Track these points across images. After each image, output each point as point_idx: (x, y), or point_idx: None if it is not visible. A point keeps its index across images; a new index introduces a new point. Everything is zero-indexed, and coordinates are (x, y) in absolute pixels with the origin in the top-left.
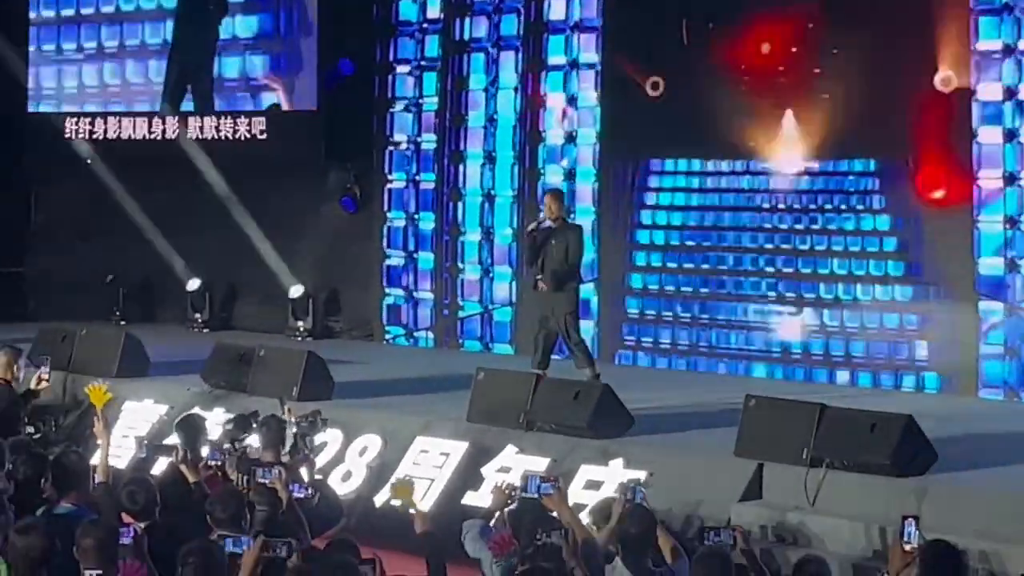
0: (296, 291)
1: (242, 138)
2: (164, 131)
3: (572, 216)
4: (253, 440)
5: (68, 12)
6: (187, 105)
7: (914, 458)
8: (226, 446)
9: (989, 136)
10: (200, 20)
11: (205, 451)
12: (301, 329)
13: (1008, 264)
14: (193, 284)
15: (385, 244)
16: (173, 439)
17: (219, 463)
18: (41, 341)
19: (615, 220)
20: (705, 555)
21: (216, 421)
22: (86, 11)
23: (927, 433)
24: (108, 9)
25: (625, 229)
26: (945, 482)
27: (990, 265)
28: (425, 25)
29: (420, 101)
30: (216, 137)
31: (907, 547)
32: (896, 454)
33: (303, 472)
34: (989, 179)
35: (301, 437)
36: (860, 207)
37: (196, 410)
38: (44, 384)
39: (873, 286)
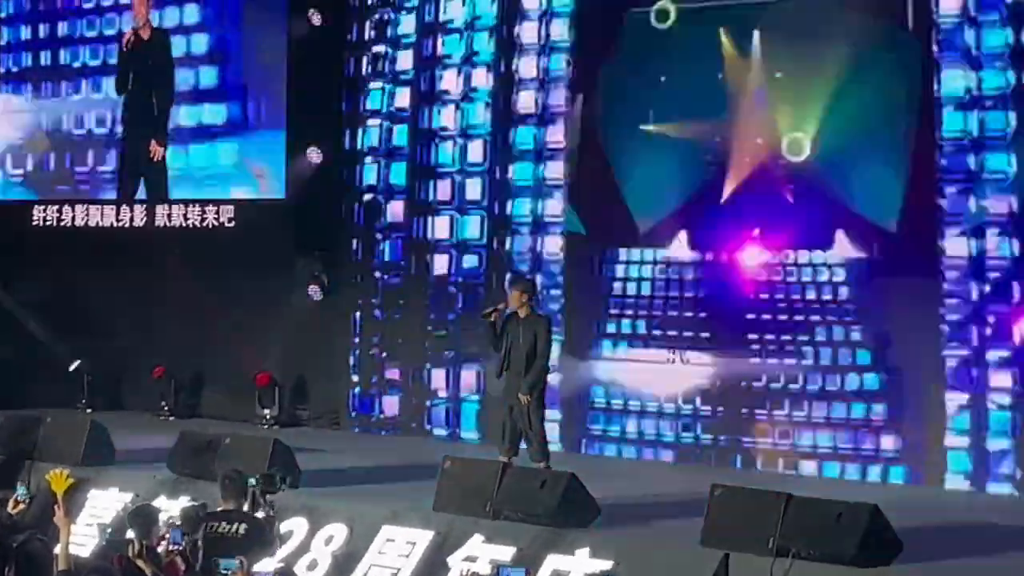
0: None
1: (210, 226)
2: (132, 218)
3: (539, 306)
4: None
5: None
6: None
7: (880, 548)
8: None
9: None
10: (145, 108)
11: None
12: (268, 417)
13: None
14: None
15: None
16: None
17: (181, 547)
18: (5, 429)
19: (581, 309)
20: None
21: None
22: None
23: (893, 523)
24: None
25: (593, 318)
26: (910, 572)
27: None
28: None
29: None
30: (184, 225)
31: None
32: (862, 544)
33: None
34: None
35: (260, 494)
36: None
37: (161, 499)
38: (21, 507)
39: (839, 375)
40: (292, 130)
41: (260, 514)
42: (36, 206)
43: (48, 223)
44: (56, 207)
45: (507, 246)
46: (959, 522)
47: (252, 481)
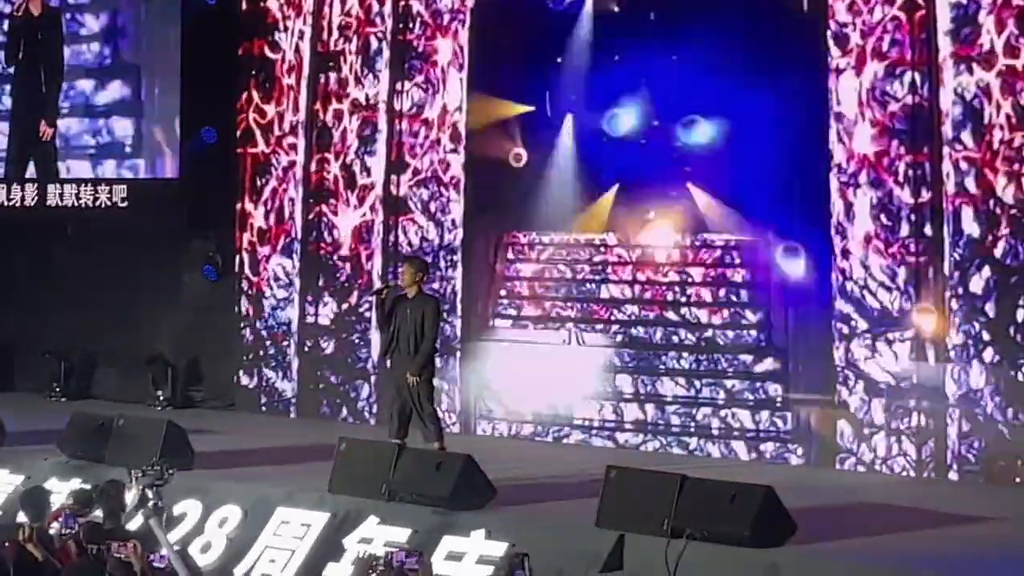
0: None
1: (103, 206)
2: (23, 198)
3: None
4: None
5: None
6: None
7: (773, 529)
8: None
9: None
10: (33, 86)
11: (54, 526)
12: (161, 398)
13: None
14: None
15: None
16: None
17: (73, 531)
18: None
19: (477, 290)
20: None
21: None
22: None
23: (787, 505)
24: None
25: (488, 299)
26: (804, 553)
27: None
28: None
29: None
30: (76, 205)
31: None
32: (755, 525)
33: (155, 526)
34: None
35: (148, 487)
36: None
37: (53, 481)
38: None
39: (739, 356)
40: (186, 109)
41: (147, 506)
42: None
43: None
44: None
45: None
46: (854, 503)
47: (138, 474)
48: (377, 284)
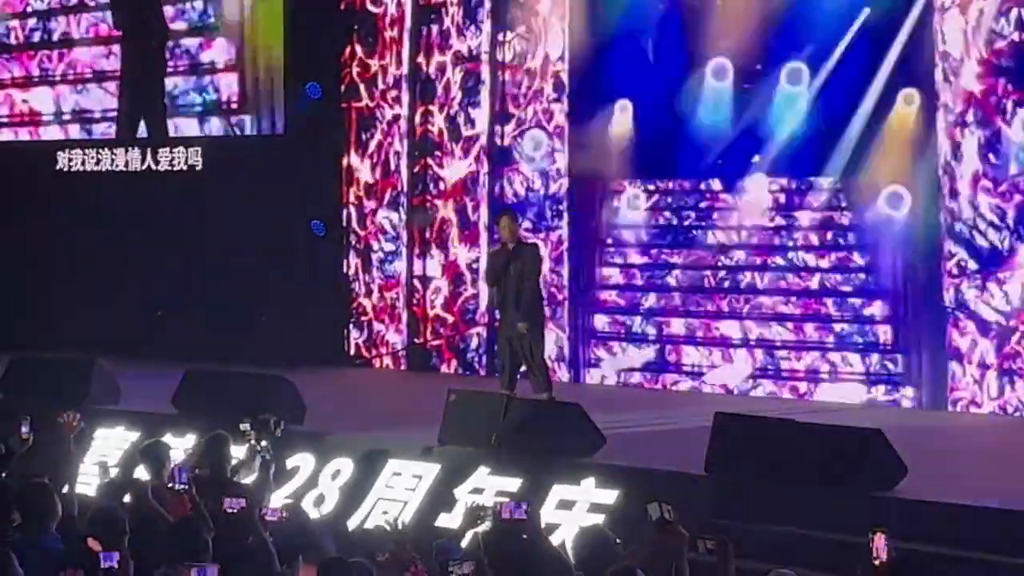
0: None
1: (210, 164)
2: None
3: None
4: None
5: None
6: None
7: (884, 472)
8: (192, 472)
9: None
10: (140, 46)
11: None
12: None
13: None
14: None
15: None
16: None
17: (186, 487)
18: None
19: (584, 237)
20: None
21: (186, 447)
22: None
23: (897, 447)
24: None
25: (594, 246)
26: (913, 495)
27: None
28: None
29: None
30: (170, 168)
31: (876, 561)
32: (867, 468)
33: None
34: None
35: (256, 442)
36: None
37: (168, 436)
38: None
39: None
40: (290, 65)
41: (257, 460)
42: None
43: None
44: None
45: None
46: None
47: (246, 426)
48: (483, 237)
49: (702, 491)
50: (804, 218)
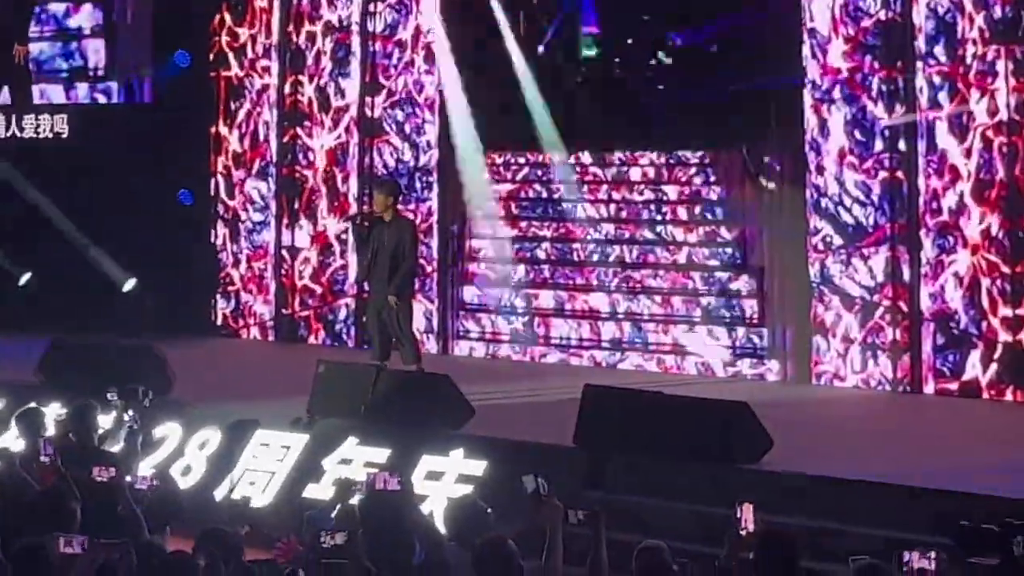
0: (129, 285)
1: (76, 132)
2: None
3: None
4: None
5: None
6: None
7: (750, 445)
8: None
9: None
10: (3, 9)
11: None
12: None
13: None
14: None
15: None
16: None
17: (51, 457)
18: None
19: (453, 211)
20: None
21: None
22: None
23: (764, 421)
24: None
25: (464, 220)
26: (779, 468)
27: None
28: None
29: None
30: (36, 135)
31: (742, 532)
32: (733, 441)
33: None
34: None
35: (126, 411)
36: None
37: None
38: None
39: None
40: (159, 33)
41: (124, 429)
42: None
43: None
44: None
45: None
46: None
47: (113, 396)
48: (353, 208)
49: (571, 463)
50: (672, 192)
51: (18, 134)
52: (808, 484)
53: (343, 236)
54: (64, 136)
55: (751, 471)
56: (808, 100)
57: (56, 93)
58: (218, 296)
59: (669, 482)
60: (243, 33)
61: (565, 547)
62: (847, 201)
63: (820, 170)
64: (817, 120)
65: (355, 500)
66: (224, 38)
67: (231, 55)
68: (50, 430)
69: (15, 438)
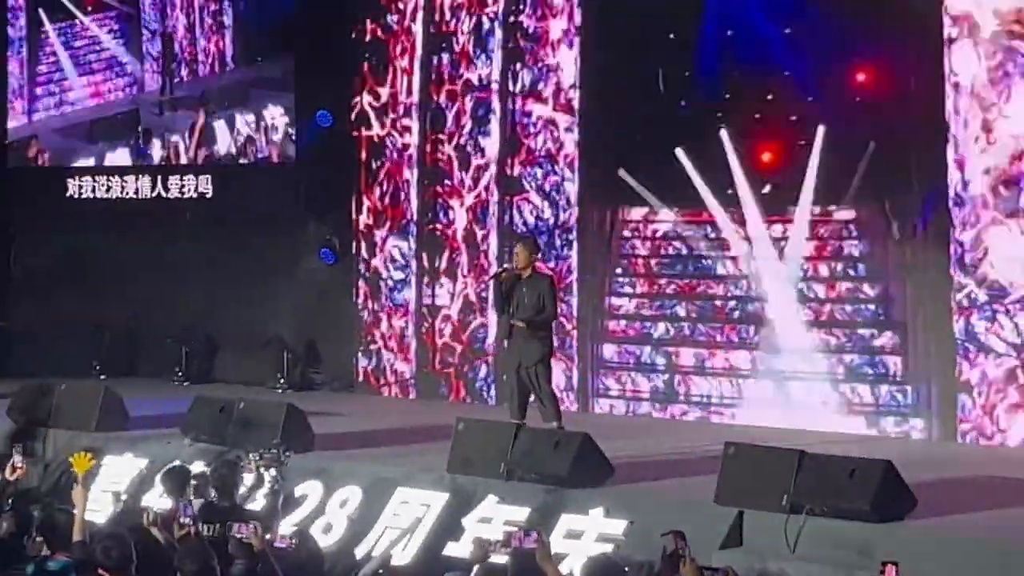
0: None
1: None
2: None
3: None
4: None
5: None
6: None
7: (893, 503)
8: (194, 500)
9: None
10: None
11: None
12: (282, 382)
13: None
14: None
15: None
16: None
17: (192, 519)
18: (21, 396)
19: (593, 267)
20: None
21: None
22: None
23: (907, 479)
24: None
25: (603, 276)
26: (924, 528)
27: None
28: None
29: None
30: (196, 195)
31: None
32: (876, 500)
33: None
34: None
35: (266, 469)
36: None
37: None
38: (19, 473)
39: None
40: (301, 93)
41: (265, 488)
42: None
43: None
44: (72, 175)
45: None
46: (976, 476)
47: (256, 456)
48: (494, 266)
49: (711, 521)
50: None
51: (163, 194)
52: (951, 544)
53: (483, 294)
54: (208, 196)
55: (895, 530)
56: (951, 154)
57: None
58: (360, 354)
59: (810, 540)
60: (384, 92)
61: None
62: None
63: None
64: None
65: (494, 559)
66: (366, 97)
67: (372, 114)
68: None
69: (159, 496)
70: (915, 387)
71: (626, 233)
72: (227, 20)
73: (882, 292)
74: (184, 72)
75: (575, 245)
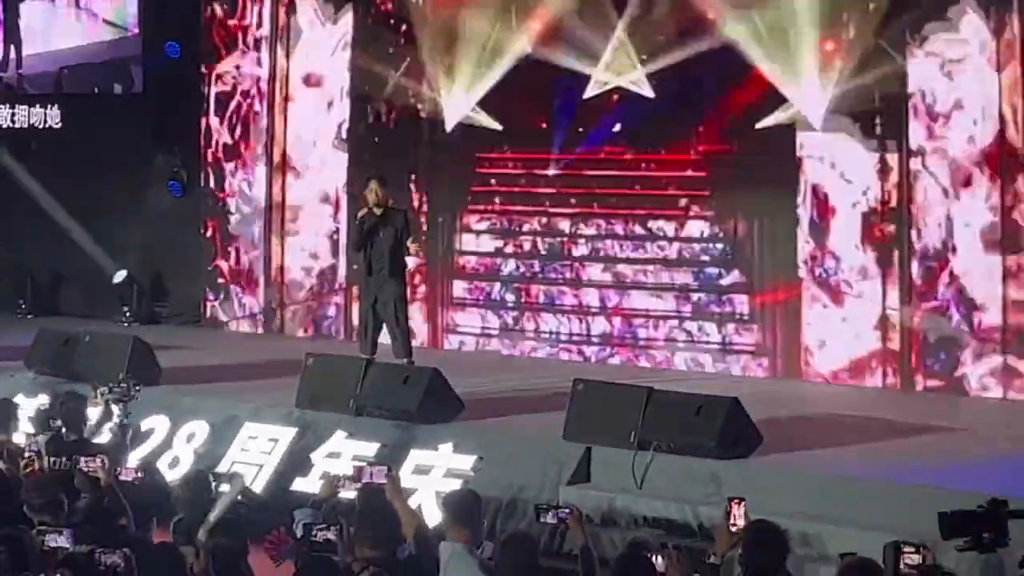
0: (119, 276)
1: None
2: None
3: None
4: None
5: None
6: None
7: (739, 441)
8: (39, 435)
9: None
10: None
11: (18, 438)
12: (128, 316)
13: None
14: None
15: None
16: None
17: (35, 452)
18: None
19: (443, 204)
20: (512, 538)
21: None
22: None
23: (753, 416)
24: None
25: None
26: (769, 464)
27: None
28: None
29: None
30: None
31: (733, 528)
32: (721, 436)
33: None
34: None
35: (114, 403)
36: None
37: (20, 397)
38: None
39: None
40: (148, 25)
41: (113, 422)
42: None
43: None
44: None
45: None
46: (819, 414)
47: (104, 391)
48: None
49: (560, 456)
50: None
51: (11, 124)
52: (796, 481)
53: (334, 236)
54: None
55: (741, 466)
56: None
57: None
58: (207, 288)
59: (657, 475)
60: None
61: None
62: None
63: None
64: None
65: (344, 494)
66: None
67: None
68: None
69: None
70: (761, 327)
71: (480, 170)
72: None
73: (730, 231)
74: None
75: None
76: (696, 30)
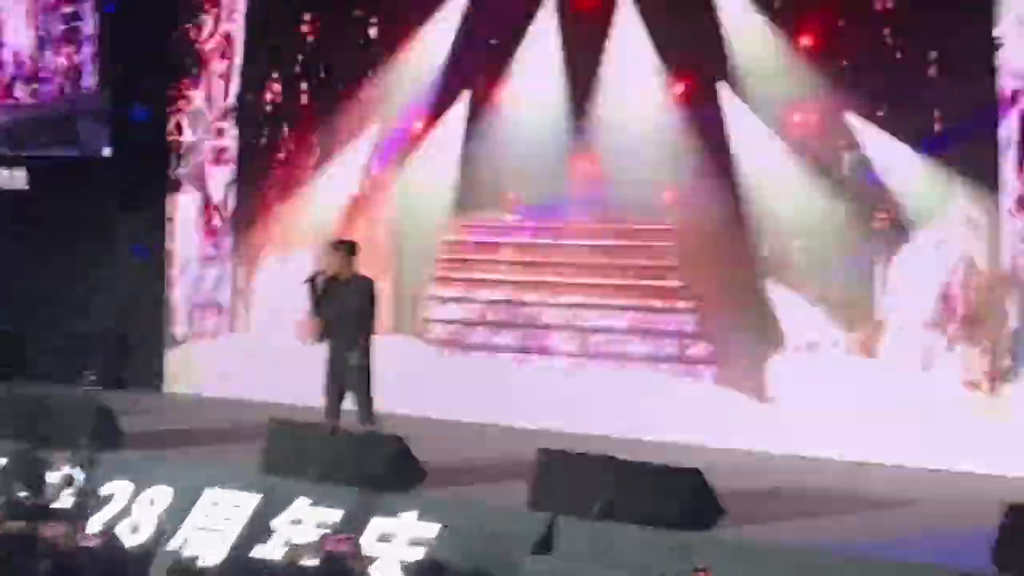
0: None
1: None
2: None
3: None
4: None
5: None
6: None
7: (702, 512)
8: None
9: None
10: None
11: None
12: (91, 379)
13: None
14: None
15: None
16: None
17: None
18: None
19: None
20: None
21: None
22: None
23: (717, 487)
24: None
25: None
26: (733, 536)
27: None
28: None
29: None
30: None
31: None
32: (685, 508)
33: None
34: None
35: (74, 467)
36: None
37: None
38: None
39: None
40: (117, 85)
41: (74, 487)
42: None
43: None
44: None
45: None
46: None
47: (66, 455)
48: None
49: (524, 527)
50: None
51: None
52: (759, 553)
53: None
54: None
55: (705, 538)
56: None
57: None
58: (170, 352)
59: (621, 548)
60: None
61: None
62: None
63: None
64: None
65: (306, 561)
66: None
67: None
68: None
69: None
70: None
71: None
72: None
73: None
74: None
75: None
76: None
